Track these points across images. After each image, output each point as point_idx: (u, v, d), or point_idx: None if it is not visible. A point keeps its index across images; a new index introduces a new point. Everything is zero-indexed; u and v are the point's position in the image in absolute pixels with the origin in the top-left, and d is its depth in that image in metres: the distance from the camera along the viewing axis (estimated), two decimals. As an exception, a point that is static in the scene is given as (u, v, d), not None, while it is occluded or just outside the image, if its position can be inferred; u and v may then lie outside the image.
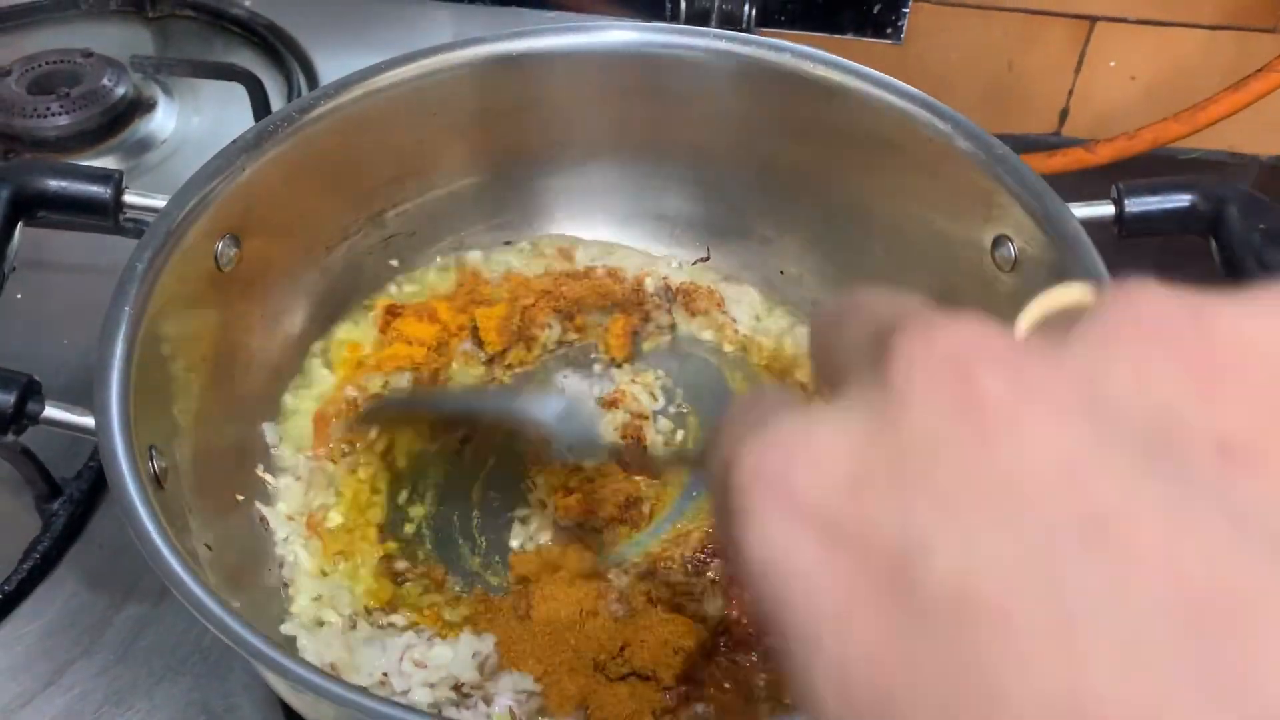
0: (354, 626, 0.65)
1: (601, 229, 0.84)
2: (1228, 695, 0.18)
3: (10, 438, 0.57)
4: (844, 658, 0.22)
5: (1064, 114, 1.31)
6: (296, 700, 0.53)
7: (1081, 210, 0.64)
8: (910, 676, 0.21)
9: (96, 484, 0.73)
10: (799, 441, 0.24)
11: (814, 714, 0.23)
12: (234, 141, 0.67)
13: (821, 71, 0.72)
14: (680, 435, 0.75)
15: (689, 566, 0.67)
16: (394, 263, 0.80)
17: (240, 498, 0.69)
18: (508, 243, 0.83)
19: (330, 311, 0.77)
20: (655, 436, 0.75)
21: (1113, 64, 1.26)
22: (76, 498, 0.72)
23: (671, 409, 0.77)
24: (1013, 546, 0.20)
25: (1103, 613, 0.19)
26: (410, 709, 0.48)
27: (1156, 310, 0.23)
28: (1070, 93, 1.29)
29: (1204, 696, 0.18)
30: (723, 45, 0.74)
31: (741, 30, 0.91)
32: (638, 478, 0.71)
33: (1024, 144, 1.23)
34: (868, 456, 0.23)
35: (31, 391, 0.56)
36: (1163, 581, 0.19)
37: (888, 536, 0.22)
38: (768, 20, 1.11)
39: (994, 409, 0.22)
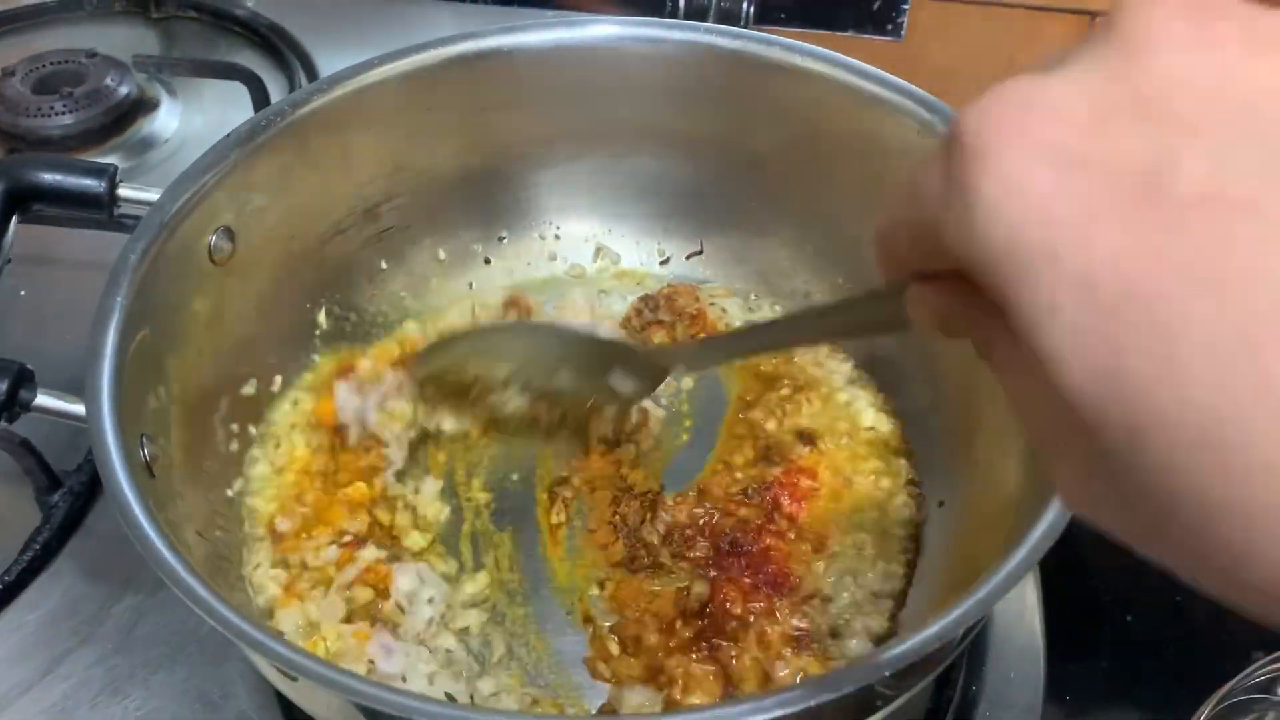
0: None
1: (594, 223, 0.85)
2: None
3: (4, 425, 0.57)
4: (1087, 262, 0.24)
5: (1066, 109, 1.31)
6: (288, 687, 0.54)
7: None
8: (1160, 264, 0.23)
9: (96, 477, 0.74)
10: (1034, 89, 0.26)
11: (1045, 321, 0.25)
12: (227, 136, 0.68)
13: (808, 64, 0.72)
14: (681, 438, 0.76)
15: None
16: (383, 264, 0.81)
17: (229, 491, 0.69)
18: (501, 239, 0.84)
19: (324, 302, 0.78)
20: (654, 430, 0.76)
21: (1114, 59, 1.26)
22: (76, 490, 0.73)
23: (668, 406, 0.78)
24: (1261, 156, 0.23)
25: None
26: (398, 690, 0.48)
27: None
28: (1072, 88, 1.29)
29: None
30: (709, 39, 0.75)
31: (740, 27, 0.91)
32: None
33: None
34: (1108, 96, 0.25)
35: (23, 379, 0.57)
36: None
37: (1133, 157, 0.24)
38: (767, 17, 1.12)
39: (1236, 51, 0.24)
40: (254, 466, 0.71)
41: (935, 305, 0.32)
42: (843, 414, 0.74)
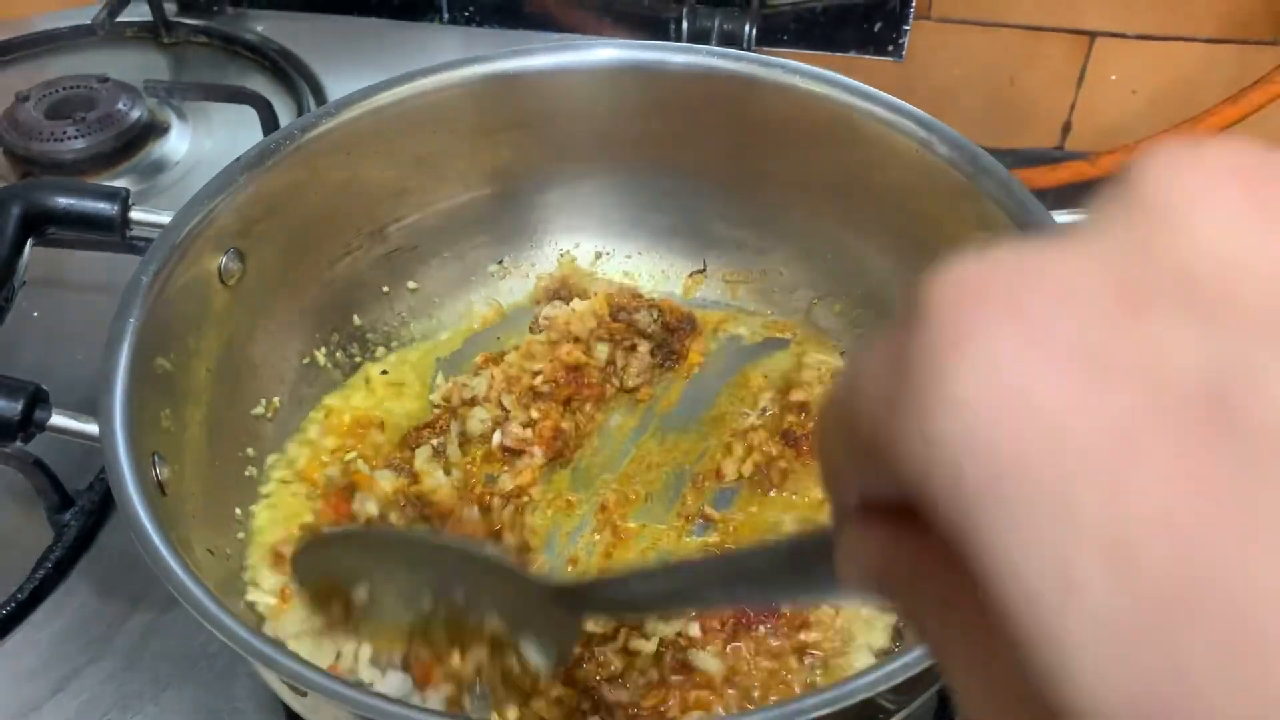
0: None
1: (599, 242, 0.86)
2: None
3: (19, 444, 0.58)
4: (1131, 516, 0.16)
5: (1067, 128, 1.31)
6: (297, 702, 0.54)
7: (1067, 218, 0.65)
8: (1244, 529, 0.16)
9: (108, 496, 0.75)
10: (1034, 257, 0.18)
11: (1054, 605, 0.16)
12: (237, 159, 0.69)
13: (809, 85, 0.73)
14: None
15: None
16: (383, 290, 0.82)
17: (239, 511, 0.70)
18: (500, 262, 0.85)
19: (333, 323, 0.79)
20: None
21: (1114, 78, 1.26)
22: (88, 509, 0.74)
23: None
24: None
25: None
26: (415, 707, 0.49)
27: None
28: (1073, 107, 1.30)
29: None
30: (712, 61, 0.76)
31: (743, 49, 0.92)
32: None
33: (1027, 158, 1.24)
34: (1139, 274, 0.18)
35: (39, 399, 0.58)
36: None
37: (1192, 363, 0.17)
38: (769, 39, 1.13)
39: None
40: (263, 486, 0.72)
41: (874, 552, 0.22)
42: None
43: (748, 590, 0.38)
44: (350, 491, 0.71)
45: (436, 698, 0.59)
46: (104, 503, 0.75)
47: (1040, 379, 0.17)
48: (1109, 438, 0.17)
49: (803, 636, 0.64)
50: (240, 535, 0.69)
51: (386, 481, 0.71)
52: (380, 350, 0.81)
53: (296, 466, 0.73)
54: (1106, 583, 0.16)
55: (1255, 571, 0.15)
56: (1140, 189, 0.19)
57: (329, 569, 0.55)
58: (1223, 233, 0.18)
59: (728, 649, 0.64)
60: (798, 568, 0.31)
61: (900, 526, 0.21)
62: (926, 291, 0.19)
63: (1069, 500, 0.16)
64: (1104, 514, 0.16)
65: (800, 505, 0.72)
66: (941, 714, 0.65)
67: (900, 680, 0.47)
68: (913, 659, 0.48)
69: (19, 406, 0.57)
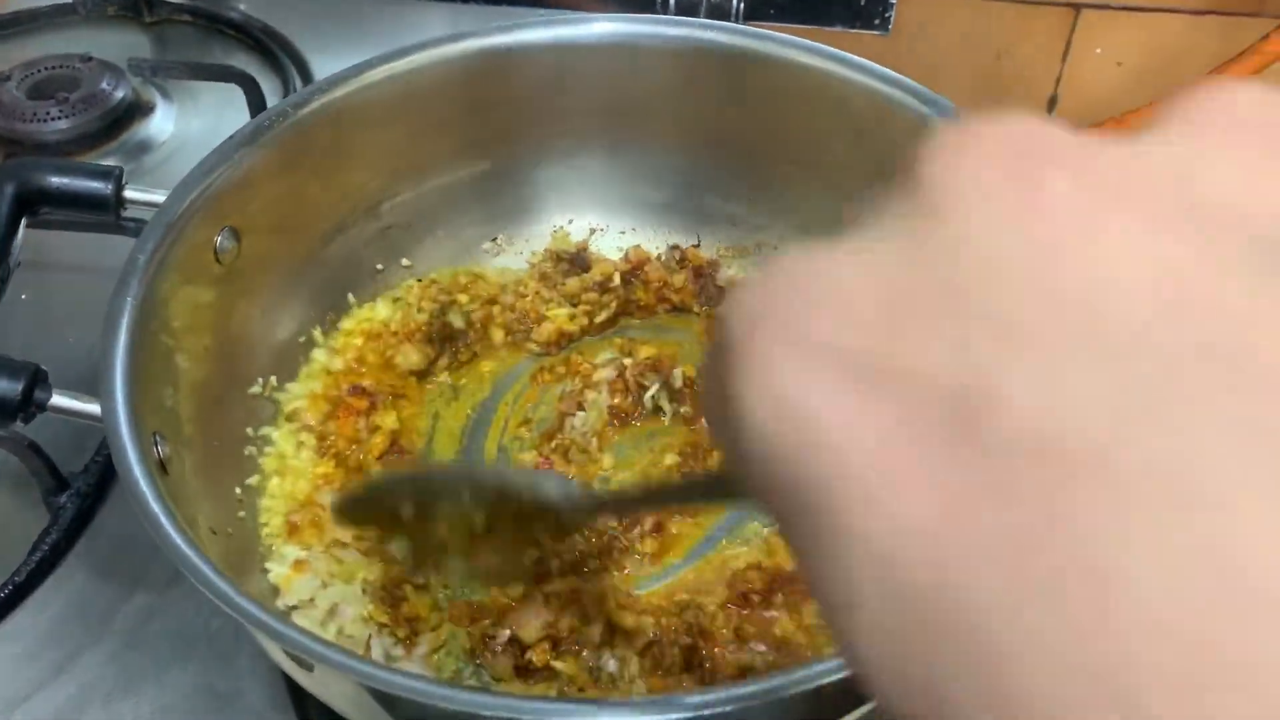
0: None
1: (593, 217, 0.86)
2: None
3: (19, 425, 0.58)
4: (889, 531, 0.17)
5: (1053, 101, 1.32)
6: (305, 677, 0.54)
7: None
8: (981, 545, 0.16)
9: (103, 477, 0.75)
10: (810, 273, 0.19)
11: (844, 614, 0.18)
12: (231, 137, 0.69)
13: (800, 57, 0.73)
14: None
15: None
16: (377, 267, 0.82)
17: (239, 490, 0.70)
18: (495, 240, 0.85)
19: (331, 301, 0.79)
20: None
21: (1099, 51, 1.27)
22: (83, 491, 0.74)
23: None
24: (1109, 380, 0.16)
25: (1238, 455, 0.15)
26: (421, 678, 0.49)
27: (1256, 102, 0.19)
28: (1058, 80, 1.30)
29: None
30: (707, 35, 0.76)
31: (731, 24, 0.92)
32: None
33: (1013, 132, 1.25)
34: (905, 283, 0.18)
35: (39, 380, 0.58)
36: None
37: (942, 376, 0.17)
38: (757, 13, 1.13)
39: (1067, 215, 0.17)
40: (264, 462, 0.72)
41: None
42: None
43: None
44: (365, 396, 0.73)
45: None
46: (99, 485, 0.75)
47: (817, 397, 0.18)
48: (874, 453, 0.17)
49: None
50: (241, 515, 0.69)
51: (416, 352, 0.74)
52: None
53: (301, 418, 0.74)
54: (876, 596, 0.17)
55: (992, 588, 0.16)
56: (920, 184, 0.19)
57: (367, 512, 0.60)
58: (985, 229, 0.18)
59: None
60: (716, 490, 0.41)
61: None
62: (724, 315, 0.20)
63: (843, 515, 0.17)
64: (869, 527, 0.17)
65: None
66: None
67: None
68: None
69: (20, 387, 0.56)
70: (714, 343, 0.21)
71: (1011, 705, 0.16)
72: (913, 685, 0.17)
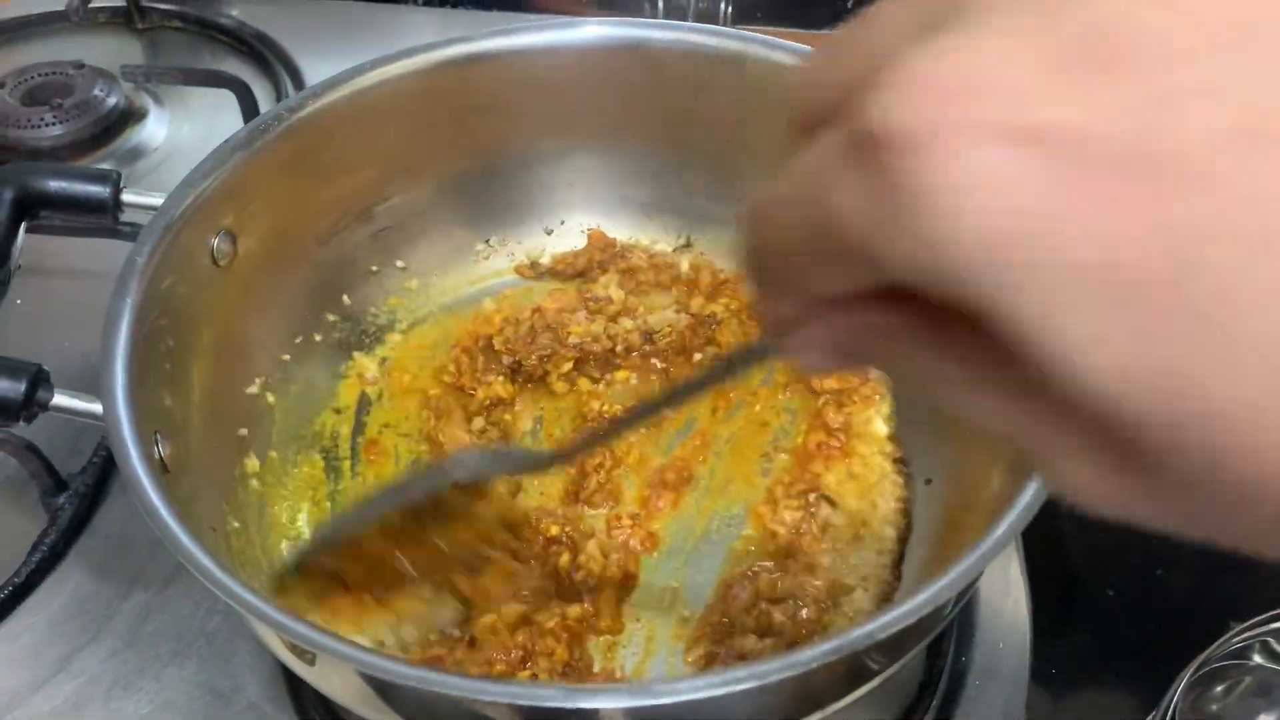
0: None
1: (584, 219, 0.87)
2: None
3: (20, 425, 0.59)
4: (1097, 246, 0.20)
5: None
6: (307, 671, 0.55)
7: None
8: (1191, 232, 0.19)
9: (101, 478, 0.76)
10: (960, 56, 0.21)
11: (1053, 338, 0.20)
12: (227, 141, 0.70)
13: (788, 59, 0.74)
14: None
15: None
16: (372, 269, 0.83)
17: (242, 489, 0.70)
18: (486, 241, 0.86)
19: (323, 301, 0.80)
20: None
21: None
22: (81, 492, 0.74)
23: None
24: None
25: None
26: (420, 669, 0.49)
27: None
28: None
29: None
30: (696, 38, 0.77)
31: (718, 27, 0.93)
32: None
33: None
34: (1052, 45, 0.20)
35: (41, 379, 0.58)
36: None
37: (1112, 121, 0.20)
38: (744, 17, 1.14)
39: None
40: (264, 461, 0.72)
41: (842, 332, 0.27)
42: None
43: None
44: None
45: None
46: (97, 485, 0.76)
47: (1000, 165, 0.20)
48: (1068, 192, 0.20)
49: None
50: (249, 509, 0.69)
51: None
52: (371, 330, 0.82)
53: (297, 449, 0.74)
54: (1092, 298, 0.20)
55: (1210, 259, 0.19)
56: None
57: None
58: None
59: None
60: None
61: (872, 309, 0.25)
62: (881, 119, 0.21)
63: (1051, 247, 0.20)
64: (1079, 251, 0.20)
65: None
66: (929, 670, 0.67)
67: (884, 637, 0.48)
68: (899, 615, 0.48)
69: (22, 387, 0.57)
70: (847, 149, 0.22)
71: (1231, 349, 0.19)
72: (1133, 361, 0.20)
